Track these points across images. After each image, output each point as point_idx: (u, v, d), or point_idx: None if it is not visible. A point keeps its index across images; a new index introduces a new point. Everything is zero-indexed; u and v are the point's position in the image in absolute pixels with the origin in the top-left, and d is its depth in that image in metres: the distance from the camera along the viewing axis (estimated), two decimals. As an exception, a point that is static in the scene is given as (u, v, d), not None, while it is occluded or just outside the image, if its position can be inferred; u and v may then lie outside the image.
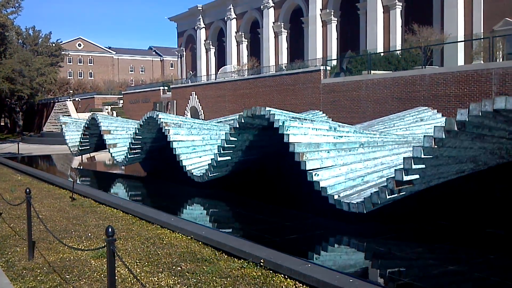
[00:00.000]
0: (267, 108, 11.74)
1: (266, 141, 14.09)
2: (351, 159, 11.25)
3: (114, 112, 59.98)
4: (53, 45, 76.15)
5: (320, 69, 29.39)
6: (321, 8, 45.63)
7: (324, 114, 26.25)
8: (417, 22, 33.31)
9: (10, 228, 11.09)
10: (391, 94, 23.94)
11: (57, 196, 15.54)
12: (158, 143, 18.58)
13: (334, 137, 11.45)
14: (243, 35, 57.02)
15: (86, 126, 22.49)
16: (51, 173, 22.13)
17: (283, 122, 11.09)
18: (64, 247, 9.09)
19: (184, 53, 70.65)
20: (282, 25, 51.03)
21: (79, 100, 70.51)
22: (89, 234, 10.36)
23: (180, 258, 8.44)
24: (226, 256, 8.53)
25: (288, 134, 10.86)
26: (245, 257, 8.15)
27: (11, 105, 72.54)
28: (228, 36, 58.94)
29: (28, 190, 8.82)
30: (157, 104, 50.68)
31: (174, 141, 15.69)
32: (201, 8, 63.12)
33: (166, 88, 51.96)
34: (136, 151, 18.76)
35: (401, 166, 9.93)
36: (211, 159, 14.35)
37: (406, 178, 8.81)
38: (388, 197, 9.16)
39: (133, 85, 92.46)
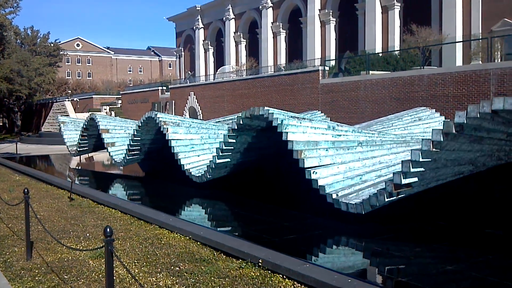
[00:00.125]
0: (266, 108, 11.74)
1: (265, 142, 14.09)
2: (349, 157, 11.26)
3: (113, 112, 59.94)
4: (52, 45, 76.12)
5: (318, 70, 29.40)
6: (319, 8, 45.65)
7: (322, 114, 26.29)
8: (416, 23, 33.33)
9: (8, 228, 11.07)
10: (389, 95, 23.95)
11: (55, 196, 15.52)
12: (156, 145, 18.56)
13: (332, 136, 11.46)
14: (241, 35, 57.01)
15: (85, 127, 22.47)
16: (49, 173, 22.12)
17: (282, 120, 11.11)
18: (62, 247, 9.08)
19: (183, 53, 70.63)
20: (281, 26, 51.03)
21: (78, 100, 70.45)
22: (87, 234, 10.35)
23: (179, 258, 8.43)
24: (224, 256, 8.52)
25: (287, 132, 10.87)
26: (243, 257, 8.14)
27: (9, 105, 72.49)
28: (226, 36, 58.94)
29: (26, 190, 8.80)
30: (156, 104, 50.66)
31: (172, 139, 15.68)
32: (199, 8, 63.10)
33: (164, 88, 51.94)
34: (135, 152, 18.75)
35: (400, 167, 9.94)
36: (210, 161, 14.34)
37: (404, 181, 8.81)
38: (386, 199, 9.19)
39: (131, 85, 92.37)
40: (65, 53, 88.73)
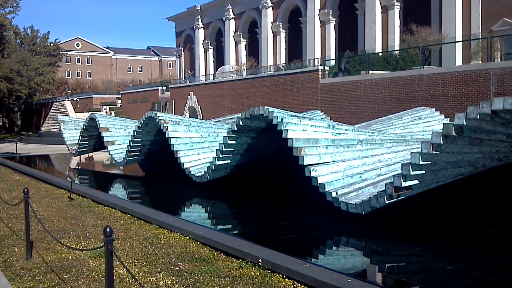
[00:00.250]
0: (265, 107, 11.76)
1: (264, 144, 14.11)
2: (349, 155, 11.26)
3: (113, 112, 59.91)
4: (51, 44, 76.09)
5: (318, 69, 29.38)
6: (319, 8, 45.63)
7: (322, 114, 26.31)
8: (416, 22, 33.33)
9: (8, 228, 11.08)
10: (389, 94, 23.94)
11: (55, 196, 15.52)
12: (156, 146, 18.57)
13: (332, 134, 11.48)
14: (241, 35, 57.00)
15: (85, 127, 22.49)
16: (49, 173, 22.13)
17: (282, 118, 11.13)
18: (62, 247, 9.08)
19: (183, 53, 70.60)
20: (281, 25, 51.02)
21: (78, 100, 70.43)
22: (87, 234, 10.35)
23: (178, 258, 8.44)
24: (224, 256, 8.53)
25: (287, 130, 10.89)
26: (243, 257, 8.15)
27: (9, 105, 72.48)
28: (226, 36, 58.92)
29: (26, 190, 8.81)
30: (156, 104, 50.65)
31: (172, 137, 15.68)
32: (199, 8, 63.08)
33: (164, 88, 51.91)
34: (135, 153, 18.76)
35: (399, 166, 9.96)
36: (210, 162, 14.35)
37: (404, 184, 8.82)
38: (386, 201, 9.20)
39: (131, 85, 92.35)
40: (65, 52, 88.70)
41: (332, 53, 43.88)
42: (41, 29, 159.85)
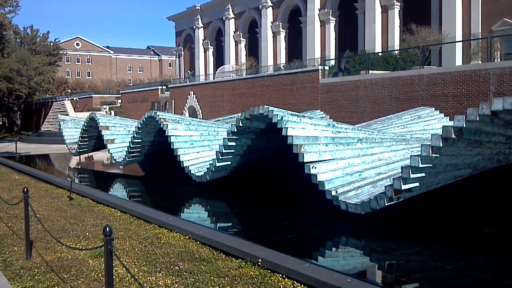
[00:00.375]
0: (265, 106, 11.78)
1: (264, 145, 14.12)
2: (349, 153, 11.26)
3: (112, 112, 59.88)
4: (51, 44, 76.03)
5: (318, 69, 29.38)
6: (319, 8, 45.61)
7: (322, 113, 26.31)
8: (415, 22, 33.32)
9: (7, 228, 11.07)
10: (389, 94, 23.94)
11: (55, 195, 15.52)
12: (156, 146, 18.57)
13: (332, 132, 11.48)
14: (241, 35, 56.98)
15: (84, 128, 22.50)
16: (49, 172, 22.12)
17: (282, 117, 11.14)
18: (62, 246, 9.08)
19: (182, 53, 70.58)
20: (281, 25, 51.00)
21: (77, 99, 70.40)
22: (87, 234, 10.35)
23: (178, 257, 8.43)
24: (224, 256, 8.53)
25: (287, 128, 10.90)
26: (243, 257, 8.15)
27: (9, 104, 72.43)
28: (226, 36, 58.89)
29: (26, 189, 8.81)
30: (155, 104, 50.63)
31: (172, 135, 15.67)
32: (199, 8, 63.05)
33: (164, 87, 51.89)
34: (135, 154, 18.76)
35: (399, 165, 9.95)
36: (210, 164, 14.35)
37: (404, 187, 8.82)
38: (386, 204, 9.21)
39: (131, 84, 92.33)
40: (65, 52, 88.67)
41: (332, 53, 43.87)
42: (41, 29, 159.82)
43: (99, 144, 22.87)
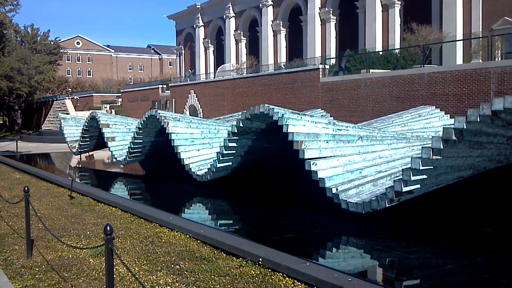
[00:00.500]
0: (266, 105, 11.80)
1: (265, 146, 14.13)
2: (349, 151, 11.26)
3: (113, 111, 59.89)
4: (52, 43, 76.06)
5: (319, 68, 29.35)
6: (320, 6, 45.58)
7: (323, 112, 26.31)
8: (416, 21, 33.28)
9: (8, 226, 11.08)
10: (389, 93, 23.93)
11: (56, 194, 15.53)
12: (156, 147, 18.57)
13: (333, 130, 11.50)
14: (241, 34, 56.95)
15: (85, 128, 22.51)
16: (49, 171, 22.13)
17: (283, 114, 11.16)
18: (62, 245, 9.09)
19: (183, 52, 70.55)
20: (281, 24, 50.98)
21: (78, 98, 70.42)
22: (88, 233, 10.36)
23: (179, 256, 8.44)
24: (224, 255, 8.53)
25: (288, 125, 10.91)
26: (244, 256, 8.15)
27: (10, 103, 72.43)
28: (226, 35, 58.87)
29: (26, 188, 8.81)
30: (156, 103, 50.63)
31: (172, 133, 15.67)
32: (200, 7, 63.02)
33: (164, 86, 51.89)
34: (136, 154, 18.77)
35: (399, 163, 9.94)
36: (211, 164, 14.35)
37: (405, 189, 8.82)
38: (387, 205, 9.21)
39: (131, 83, 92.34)
40: (65, 51, 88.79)
41: (332, 51, 43.86)
42: (42, 28, 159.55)
43: (100, 143, 22.90)
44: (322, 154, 10.83)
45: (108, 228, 5.49)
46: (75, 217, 11.98)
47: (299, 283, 7.03)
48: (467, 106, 20.20)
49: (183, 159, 15.44)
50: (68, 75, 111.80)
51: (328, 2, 44.72)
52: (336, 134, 11.38)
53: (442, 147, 7.93)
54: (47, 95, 78.73)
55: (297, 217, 11.60)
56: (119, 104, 63.02)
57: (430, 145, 8.12)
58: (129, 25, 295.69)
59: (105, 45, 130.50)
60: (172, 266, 7.93)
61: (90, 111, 31.81)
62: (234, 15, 57.81)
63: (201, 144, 16.06)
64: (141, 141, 18.07)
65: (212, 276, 7.38)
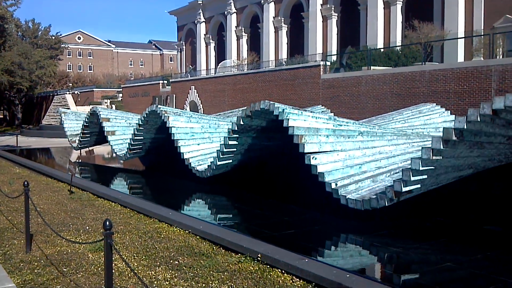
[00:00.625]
0: (266, 101, 11.80)
1: (265, 143, 14.12)
2: (349, 146, 11.26)
3: (113, 106, 59.90)
4: (53, 38, 75.92)
5: (320, 65, 29.32)
6: (321, 3, 45.49)
7: (324, 108, 26.29)
8: (418, 18, 33.22)
9: (8, 221, 11.09)
10: (390, 90, 23.91)
11: (55, 189, 15.54)
12: (157, 143, 18.56)
13: (333, 125, 11.50)
14: (243, 30, 56.87)
15: (85, 124, 22.51)
16: (49, 166, 22.13)
17: (283, 109, 11.16)
18: (61, 240, 9.09)
19: (184, 47, 70.47)
20: (283, 20, 50.89)
21: (78, 93, 70.39)
22: (87, 228, 10.36)
23: (178, 252, 8.44)
24: (223, 251, 8.53)
25: (288, 119, 10.91)
26: (242, 252, 8.15)
27: (10, 98, 72.41)
28: (228, 31, 58.79)
29: (26, 183, 8.81)
30: (157, 98, 50.61)
31: (173, 127, 15.66)
32: (201, 2, 62.91)
33: (165, 82, 51.85)
34: (136, 150, 18.75)
35: (399, 159, 9.92)
36: (211, 162, 14.35)
37: (405, 189, 8.82)
38: (387, 204, 9.21)
39: (132, 78, 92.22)
40: (66, 46, 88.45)
41: (333, 48, 43.79)
42: (43, 23, 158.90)
43: (100, 139, 22.91)
44: (322, 148, 10.83)
45: (108, 223, 5.48)
46: (75, 212, 11.99)
47: (298, 280, 7.03)
48: (468, 104, 20.18)
49: (183, 153, 15.41)
50: (69, 70, 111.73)
51: (329, -2, 44.65)
52: (336, 129, 11.39)
53: (442, 147, 7.89)
54: (48, 90, 78.67)
55: (297, 214, 11.60)
56: (120, 100, 62.98)
57: (430, 146, 8.09)
58: (130, 21, 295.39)
59: (106, 40, 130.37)
60: (171, 261, 7.94)
61: (91, 106, 31.82)
62: (235, 11, 57.71)
63: (201, 138, 16.05)
64: (142, 138, 18.05)
65: (211, 272, 7.38)
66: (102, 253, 7.73)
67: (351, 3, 42.99)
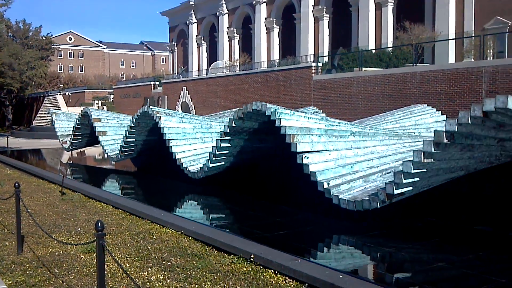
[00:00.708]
0: (258, 102, 11.82)
1: (257, 145, 14.14)
2: (341, 145, 11.31)
3: (105, 107, 59.68)
4: (44, 38, 75.60)
5: (311, 66, 29.41)
6: (313, 4, 45.60)
7: (316, 109, 26.36)
8: (409, 20, 33.39)
9: (-2, 222, 11.02)
10: (382, 91, 24.01)
11: (47, 190, 15.45)
12: (148, 145, 18.50)
13: (325, 125, 11.54)
14: (235, 31, 56.88)
15: (77, 125, 22.41)
16: (40, 167, 22.02)
17: (276, 109, 11.19)
18: (53, 241, 9.05)
19: (176, 48, 70.37)
20: (274, 21, 50.96)
21: (70, 94, 70.07)
22: (79, 229, 10.32)
23: (170, 253, 8.43)
24: (216, 252, 8.53)
25: (280, 119, 10.94)
26: (235, 253, 8.15)
27: (1, 99, 72.04)
28: (220, 32, 58.78)
29: (17, 184, 8.76)
30: (148, 99, 50.50)
31: (164, 127, 15.62)
32: (193, 3, 62.84)
33: (157, 83, 51.76)
34: (127, 152, 18.69)
35: (390, 159, 9.95)
36: (203, 164, 14.33)
37: (397, 191, 8.85)
38: (379, 206, 9.24)
39: (124, 79, 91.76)
40: (57, 46, 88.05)
41: (325, 49, 43.91)
42: (34, 23, 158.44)
43: (92, 141, 22.83)
44: (314, 147, 10.87)
45: (99, 224, 5.46)
46: (66, 213, 11.93)
47: (291, 280, 7.04)
48: (458, 105, 20.31)
49: (174, 153, 15.37)
50: (60, 71, 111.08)
51: (321, 0, 44.76)
52: (328, 129, 11.43)
53: (433, 150, 7.92)
54: (39, 90, 78.27)
55: (289, 215, 11.61)
56: (111, 101, 62.78)
57: (421, 149, 8.12)
58: (122, 21, 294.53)
59: (97, 41, 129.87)
60: (164, 262, 7.92)
61: (82, 107, 31.68)
62: (227, 12, 57.72)
63: (193, 138, 16.03)
64: (134, 140, 17.99)
65: (204, 273, 7.37)
66: (94, 255, 7.70)
67: (343, 5, 43.13)
